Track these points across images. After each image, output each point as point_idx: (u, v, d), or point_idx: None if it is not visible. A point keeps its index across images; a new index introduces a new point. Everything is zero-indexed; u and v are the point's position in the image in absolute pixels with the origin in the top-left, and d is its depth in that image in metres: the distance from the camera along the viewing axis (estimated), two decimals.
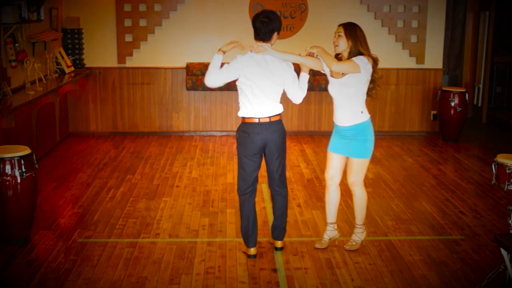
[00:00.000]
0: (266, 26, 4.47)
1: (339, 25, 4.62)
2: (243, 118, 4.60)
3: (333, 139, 4.76)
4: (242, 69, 4.52)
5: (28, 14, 6.97)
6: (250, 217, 4.68)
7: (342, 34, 4.54)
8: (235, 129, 9.10)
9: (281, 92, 4.64)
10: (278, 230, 4.82)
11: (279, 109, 4.62)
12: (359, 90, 4.57)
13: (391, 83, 9.13)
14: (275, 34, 4.52)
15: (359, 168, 4.72)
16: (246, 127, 4.58)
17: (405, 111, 9.32)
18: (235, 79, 4.57)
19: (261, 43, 4.50)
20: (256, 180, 4.69)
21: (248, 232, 4.69)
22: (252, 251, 4.71)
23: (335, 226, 4.93)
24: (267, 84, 4.52)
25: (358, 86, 4.55)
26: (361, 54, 4.54)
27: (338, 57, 4.64)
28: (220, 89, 8.86)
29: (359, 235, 4.89)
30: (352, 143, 4.64)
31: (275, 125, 4.59)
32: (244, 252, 4.77)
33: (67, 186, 6.54)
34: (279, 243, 4.83)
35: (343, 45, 4.55)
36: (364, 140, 4.63)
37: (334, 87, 4.64)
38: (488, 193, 6.39)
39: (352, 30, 4.56)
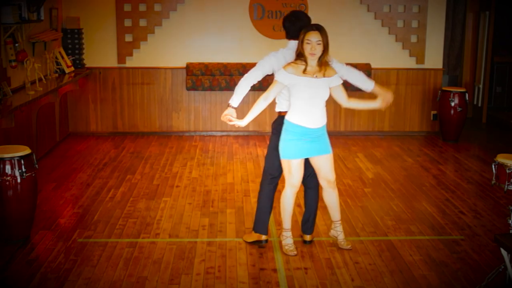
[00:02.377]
0: (294, 25, 4.71)
1: (315, 31, 4.47)
2: None
3: (298, 144, 4.60)
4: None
5: (28, 14, 6.97)
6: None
7: (321, 42, 4.46)
8: (235, 129, 9.18)
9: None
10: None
11: (278, 107, 4.83)
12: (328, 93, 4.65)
13: (391, 83, 9.13)
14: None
15: (332, 163, 4.77)
16: None
17: (405, 111, 9.32)
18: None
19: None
20: (278, 173, 4.90)
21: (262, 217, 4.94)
22: (263, 237, 4.95)
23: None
24: None
25: (328, 89, 4.61)
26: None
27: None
28: (220, 89, 8.89)
29: (339, 229, 4.96)
30: (320, 141, 4.62)
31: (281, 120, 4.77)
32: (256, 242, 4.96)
33: (67, 186, 6.54)
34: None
35: (319, 51, 4.46)
36: (327, 137, 4.71)
37: (313, 88, 4.52)
38: (488, 193, 6.39)
39: (327, 35, 4.50)
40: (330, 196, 4.86)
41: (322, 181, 4.81)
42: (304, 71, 4.49)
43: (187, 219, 5.57)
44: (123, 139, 8.83)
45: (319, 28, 4.48)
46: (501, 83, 10.88)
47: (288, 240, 4.84)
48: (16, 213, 4.88)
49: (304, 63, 4.50)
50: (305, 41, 4.45)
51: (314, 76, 4.51)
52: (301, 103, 4.53)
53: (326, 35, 4.49)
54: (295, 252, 4.77)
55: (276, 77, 4.55)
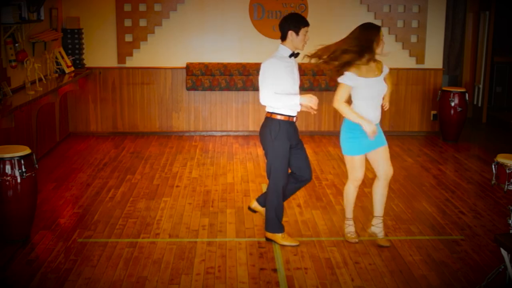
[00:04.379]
0: (280, 28, 4.82)
1: (381, 30, 4.75)
2: None
3: (360, 141, 4.79)
4: None
5: (28, 14, 6.97)
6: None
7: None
8: (235, 129, 9.19)
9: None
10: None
11: (268, 107, 4.85)
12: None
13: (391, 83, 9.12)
14: (290, 33, 4.77)
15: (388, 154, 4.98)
16: None
17: (405, 111, 9.32)
18: None
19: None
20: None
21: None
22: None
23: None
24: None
25: None
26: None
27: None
28: (220, 89, 8.89)
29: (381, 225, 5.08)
30: (377, 135, 4.79)
31: (264, 120, 4.90)
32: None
33: (67, 186, 6.54)
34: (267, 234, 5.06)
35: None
36: (381, 130, 4.92)
37: (375, 87, 4.74)
38: (488, 193, 6.39)
39: None
40: (382, 189, 4.97)
41: (380, 174, 4.94)
42: (366, 71, 4.71)
43: (187, 219, 5.57)
44: (123, 139, 8.83)
45: None
46: (501, 83, 10.88)
47: (350, 228, 5.03)
48: (16, 213, 4.88)
49: (363, 62, 4.68)
50: (382, 39, 4.71)
51: (376, 74, 4.73)
52: (364, 103, 4.73)
53: None
54: (356, 240, 4.96)
55: (342, 80, 4.70)
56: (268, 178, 4.90)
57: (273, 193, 4.89)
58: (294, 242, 4.96)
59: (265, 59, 4.79)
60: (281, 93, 4.71)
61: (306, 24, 4.77)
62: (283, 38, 4.79)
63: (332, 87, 8.78)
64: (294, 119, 4.84)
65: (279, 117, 4.77)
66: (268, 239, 5.01)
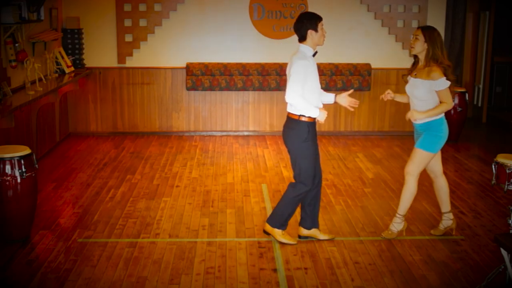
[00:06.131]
0: (297, 29, 4.83)
1: (418, 28, 4.93)
2: None
3: (414, 137, 5.10)
4: None
5: (28, 14, 6.97)
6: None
7: (420, 37, 4.83)
8: (235, 129, 9.18)
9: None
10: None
11: (292, 108, 4.80)
12: (428, 93, 4.88)
13: (391, 83, 9.12)
14: (309, 32, 4.78)
15: (417, 158, 4.96)
16: None
17: (405, 111, 9.23)
18: None
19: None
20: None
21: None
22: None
23: (448, 215, 5.14)
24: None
25: (426, 90, 4.86)
26: (436, 59, 4.83)
27: (416, 59, 5.00)
28: (220, 89, 8.89)
29: (396, 225, 5.08)
30: (421, 136, 4.97)
31: (288, 121, 4.87)
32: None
33: (67, 186, 6.54)
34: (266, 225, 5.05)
35: (419, 48, 4.86)
36: (430, 135, 4.93)
37: (408, 87, 5.05)
38: (488, 193, 6.39)
39: (431, 34, 4.83)
40: (404, 186, 5.14)
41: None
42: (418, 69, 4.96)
43: (187, 219, 5.57)
44: (123, 139, 8.83)
45: (423, 27, 5.01)
46: (501, 83, 10.88)
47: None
48: (16, 213, 4.88)
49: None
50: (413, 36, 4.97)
51: (414, 74, 4.94)
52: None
53: (431, 33, 4.91)
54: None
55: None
56: (295, 178, 4.88)
57: (297, 192, 4.87)
58: (293, 241, 4.96)
59: (296, 59, 4.70)
60: (307, 97, 4.74)
61: (320, 18, 4.83)
62: (303, 38, 4.77)
63: (332, 87, 8.77)
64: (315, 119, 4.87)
65: (305, 119, 4.75)
66: (265, 232, 5.01)
